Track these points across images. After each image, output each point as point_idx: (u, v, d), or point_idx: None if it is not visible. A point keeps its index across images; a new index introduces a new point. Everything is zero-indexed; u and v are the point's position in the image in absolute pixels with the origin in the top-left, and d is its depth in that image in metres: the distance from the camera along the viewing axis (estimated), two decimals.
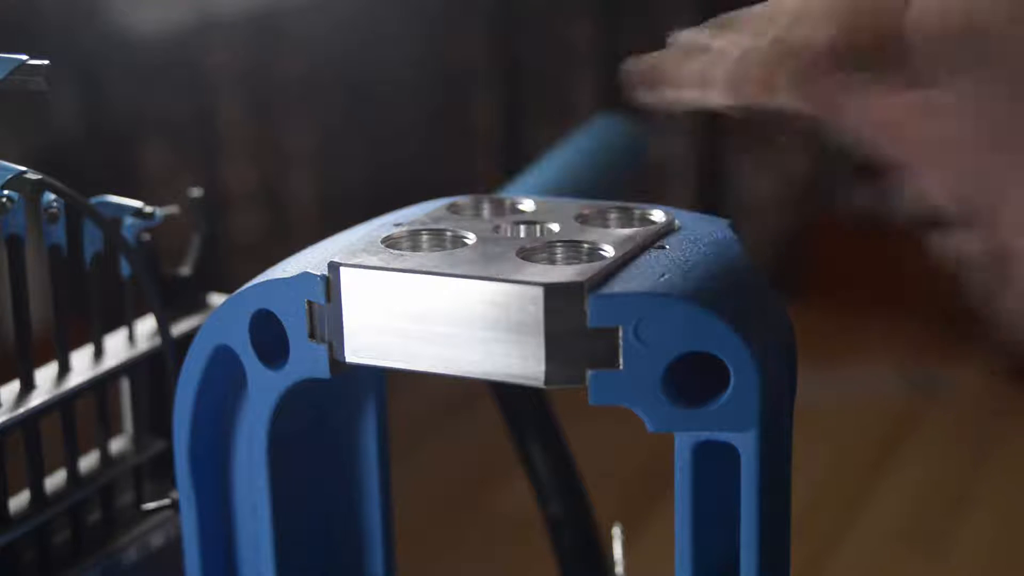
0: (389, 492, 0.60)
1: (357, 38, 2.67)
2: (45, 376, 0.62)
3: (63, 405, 0.62)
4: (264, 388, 0.53)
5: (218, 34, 2.53)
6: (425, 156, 2.92)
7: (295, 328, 0.51)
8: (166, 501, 0.62)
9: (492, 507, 2.24)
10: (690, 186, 3.24)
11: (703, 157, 3.23)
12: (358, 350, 0.50)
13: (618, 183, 0.90)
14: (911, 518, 2.31)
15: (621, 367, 0.47)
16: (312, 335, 0.51)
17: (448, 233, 0.53)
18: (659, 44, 0.55)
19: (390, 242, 0.52)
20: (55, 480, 0.63)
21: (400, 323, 0.49)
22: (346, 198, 2.78)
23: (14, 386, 0.61)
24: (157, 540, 0.67)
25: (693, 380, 0.47)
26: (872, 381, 2.75)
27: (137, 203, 0.65)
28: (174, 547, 0.64)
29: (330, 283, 0.50)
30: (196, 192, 0.69)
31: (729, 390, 0.47)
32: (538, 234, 0.54)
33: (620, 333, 0.47)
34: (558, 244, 0.52)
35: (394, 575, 0.61)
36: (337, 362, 0.51)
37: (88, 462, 0.65)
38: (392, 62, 2.75)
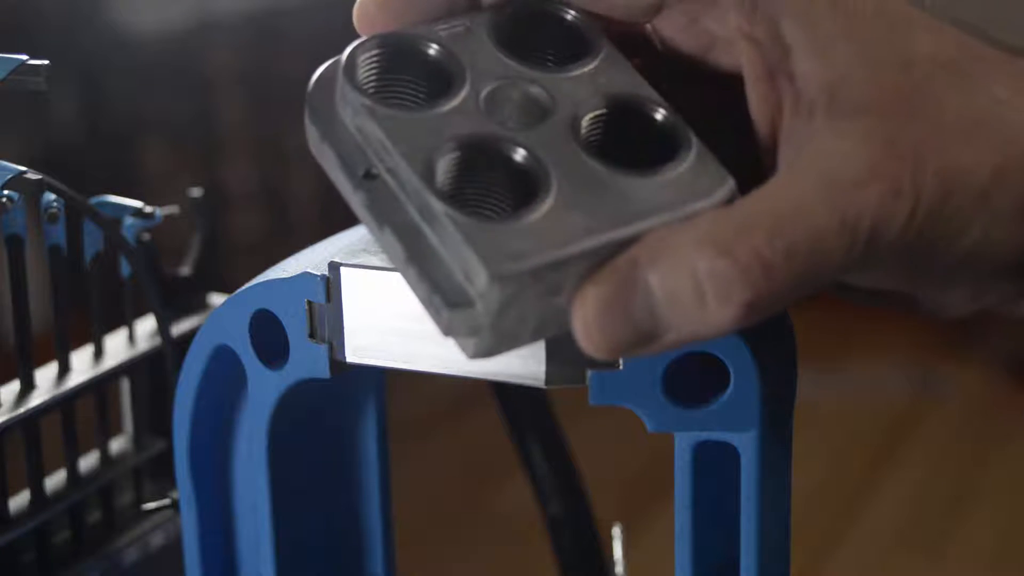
0: (389, 492, 0.60)
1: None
2: (45, 376, 0.62)
3: (63, 405, 0.62)
4: (264, 388, 0.53)
5: (218, 34, 2.53)
6: None
7: (295, 328, 0.51)
8: (166, 501, 0.62)
9: (492, 507, 2.24)
10: None
11: None
12: (358, 350, 0.50)
13: None
14: (911, 518, 2.31)
15: (621, 367, 0.47)
16: (312, 335, 0.51)
17: None
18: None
19: None
20: (55, 480, 0.63)
21: (400, 323, 0.49)
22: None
23: (14, 386, 0.61)
24: (157, 540, 0.67)
25: (693, 380, 0.47)
26: (872, 381, 2.75)
27: (137, 203, 0.65)
28: (174, 547, 0.64)
29: (330, 283, 0.50)
30: (196, 192, 0.69)
31: (729, 390, 0.47)
32: None
33: None
34: None
35: (394, 575, 0.61)
36: (337, 362, 0.51)
37: (88, 462, 0.65)
38: None
